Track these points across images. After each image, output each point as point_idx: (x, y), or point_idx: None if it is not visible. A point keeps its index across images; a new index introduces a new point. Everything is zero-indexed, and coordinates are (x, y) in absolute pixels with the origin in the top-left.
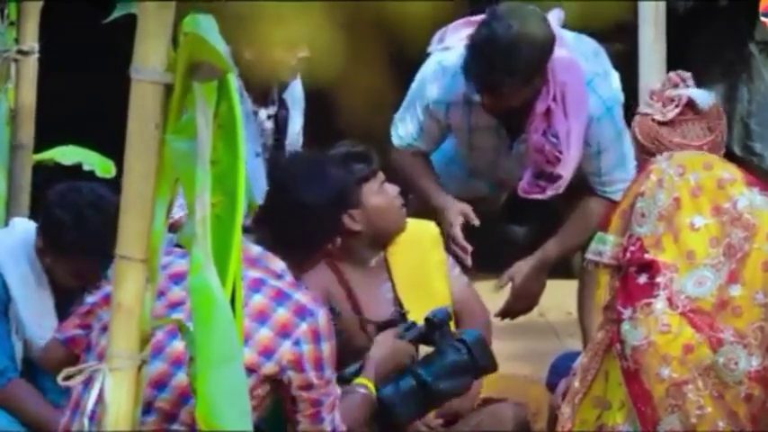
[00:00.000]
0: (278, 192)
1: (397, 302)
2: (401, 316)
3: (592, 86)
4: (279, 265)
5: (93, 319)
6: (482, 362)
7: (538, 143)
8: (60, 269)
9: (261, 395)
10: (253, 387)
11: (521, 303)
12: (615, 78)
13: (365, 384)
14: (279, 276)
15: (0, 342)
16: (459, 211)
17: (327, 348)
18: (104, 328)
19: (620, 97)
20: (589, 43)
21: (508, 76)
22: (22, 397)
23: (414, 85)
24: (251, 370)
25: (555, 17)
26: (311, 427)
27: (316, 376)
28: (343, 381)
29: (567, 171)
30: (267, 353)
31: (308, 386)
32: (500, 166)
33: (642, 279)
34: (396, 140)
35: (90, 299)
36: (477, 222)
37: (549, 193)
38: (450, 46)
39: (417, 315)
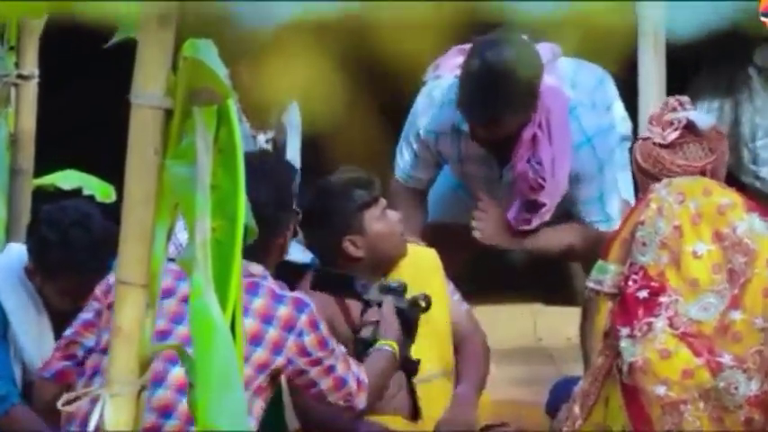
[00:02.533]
0: None
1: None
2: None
3: (574, 114)
4: (257, 268)
5: (77, 348)
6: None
7: (522, 170)
8: (50, 289)
9: (266, 387)
10: (263, 381)
11: None
12: (619, 107)
13: (390, 345)
14: (263, 278)
15: (1, 367)
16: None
17: (324, 328)
18: (104, 351)
19: (622, 129)
20: (592, 70)
21: (500, 107)
22: (24, 422)
23: (409, 116)
24: (264, 366)
25: (548, 49)
26: (339, 392)
27: (321, 352)
28: (361, 344)
29: (551, 199)
30: (277, 349)
31: (317, 361)
32: (493, 195)
33: (643, 294)
34: (397, 171)
35: (67, 332)
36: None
37: (535, 223)
38: (442, 75)
39: (417, 341)
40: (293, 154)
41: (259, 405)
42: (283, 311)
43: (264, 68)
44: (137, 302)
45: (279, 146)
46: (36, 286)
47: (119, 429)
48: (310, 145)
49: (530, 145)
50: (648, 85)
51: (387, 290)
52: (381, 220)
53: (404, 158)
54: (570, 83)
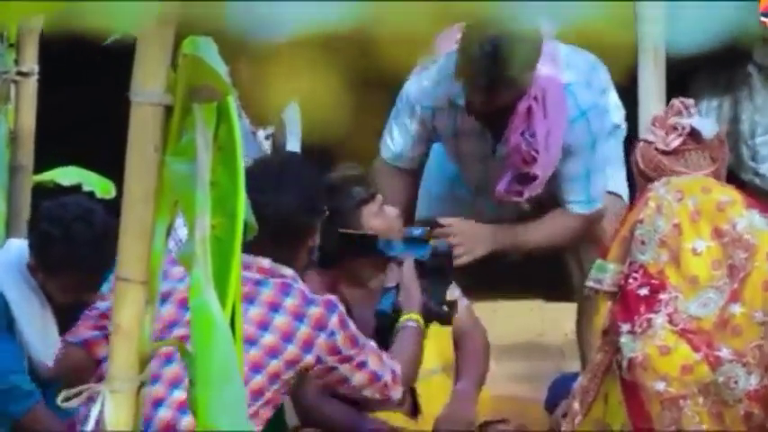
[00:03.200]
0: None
1: None
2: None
3: (570, 90)
4: (288, 271)
5: (107, 323)
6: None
7: (516, 143)
8: (53, 285)
9: (290, 382)
10: (290, 377)
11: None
12: (613, 95)
13: (414, 318)
14: (293, 280)
15: (18, 363)
16: None
17: (353, 326)
18: None
19: (615, 118)
20: (586, 56)
21: (499, 74)
22: (46, 421)
23: (401, 95)
24: (293, 362)
25: (545, 29)
26: (373, 386)
27: (352, 350)
28: (382, 317)
29: (543, 171)
30: (306, 347)
31: (348, 358)
32: (487, 173)
33: (643, 291)
34: (385, 152)
35: (103, 304)
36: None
37: (527, 194)
38: (435, 59)
39: None
40: (294, 146)
41: (280, 392)
42: (315, 311)
43: (265, 71)
44: (136, 299)
45: (278, 143)
46: (39, 282)
47: (118, 426)
48: (310, 150)
49: (524, 117)
50: (648, 96)
51: (409, 240)
52: (379, 216)
53: (394, 139)
54: (565, 63)
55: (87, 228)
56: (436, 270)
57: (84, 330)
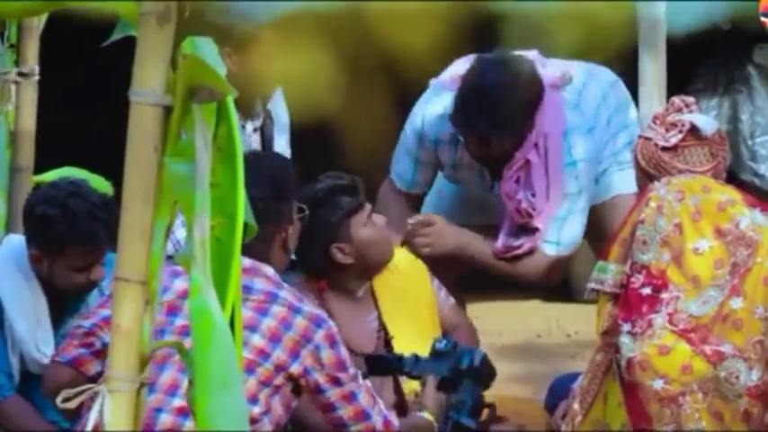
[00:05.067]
0: None
1: (383, 330)
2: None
3: (567, 137)
4: (270, 270)
5: (95, 339)
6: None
7: (510, 189)
8: (60, 268)
9: (288, 395)
10: (279, 384)
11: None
12: (632, 111)
13: (427, 413)
14: (277, 284)
15: None
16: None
17: (344, 351)
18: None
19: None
20: (600, 84)
21: (494, 128)
22: (19, 415)
23: (408, 122)
24: (280, 368)
25: (559, 69)
26: (361, 425)
27: (341, 374)
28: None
29: (544, 223)
30: (293, 354)
31: (336, 381)
32: (488, 204)
33: (646, 291)
34: (394, 177)
35: (87, 322)
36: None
37: (526, 248)
38: (445, 84)
39: (403, 341)
40: (282, 143)
41: (278, 402)
42: (300, 322)
43: (253, 54)
44: (136, 299)
45: (267, 134)
46: (43, 275)
47: (118, 426)
48: (300, 134)
49: (522, 166)
50: (648, 85)
51: (436, 355)
52: (368, 226)
53: (402, 164)
54: (573, 104)
55: (83, 201)
56: (468, 376)
57: (71, 349)
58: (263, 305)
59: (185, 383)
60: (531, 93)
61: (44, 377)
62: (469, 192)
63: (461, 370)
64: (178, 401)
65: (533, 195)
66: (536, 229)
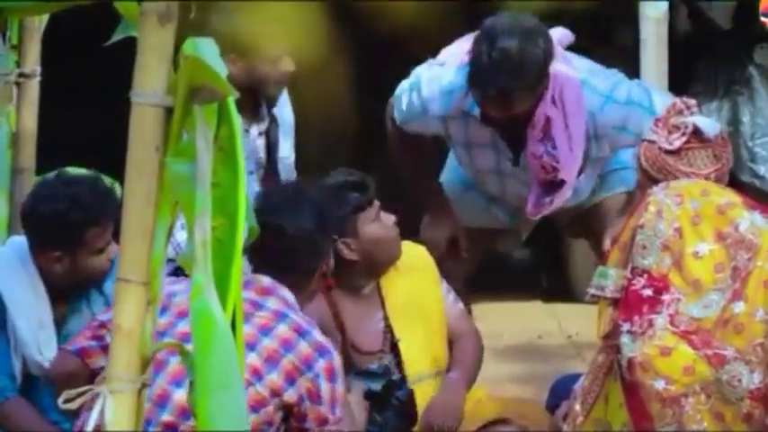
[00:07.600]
0: (262, 221)
1: (389, 331)
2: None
3: (587, 84)
4: (289, 295)
5: (105, 333)
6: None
7: (536, 151)
8: (82, 260)
9: (278, 422)
10: (274, 410)
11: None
12: (655, 93)
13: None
14: (291, 307)
15: None
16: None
17: (340, 389)
18: None
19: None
20: (608, 72)
21: (518, 81)
22: (20, 416)
23: (413, 74)
24: (275, 393)
25: (559, 34)
26: None
27: (330, 414)
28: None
29: (570, 175)
30: (290, 380)
31: (324, 421)
32: (502, 183)
33: (647, 292)
34: (398, 114)
35: (104, 315)
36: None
37: (558, 202)
38: (445, 61)
39: (410, 341)
40: (288, 147)
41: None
42: (303, 347)
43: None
44: (137, 300)
45: (272, 138)
46: (64, 270)
47: (119, 426)
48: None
49: (543, 124)
50: (651, 78)
51: (367, 374)
52: (376, 223)
53: (411, 104)
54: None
55: (79, 185)
56: (392, 408)
57: (81, 339)
58: (269, 323)
59: (176, 395)
60: (545, 45)
61: (50, 363)
62: (474, 198)
63: (391, 392)
64: (167, 416)
65: (554, 148)
66: (563, 182)
